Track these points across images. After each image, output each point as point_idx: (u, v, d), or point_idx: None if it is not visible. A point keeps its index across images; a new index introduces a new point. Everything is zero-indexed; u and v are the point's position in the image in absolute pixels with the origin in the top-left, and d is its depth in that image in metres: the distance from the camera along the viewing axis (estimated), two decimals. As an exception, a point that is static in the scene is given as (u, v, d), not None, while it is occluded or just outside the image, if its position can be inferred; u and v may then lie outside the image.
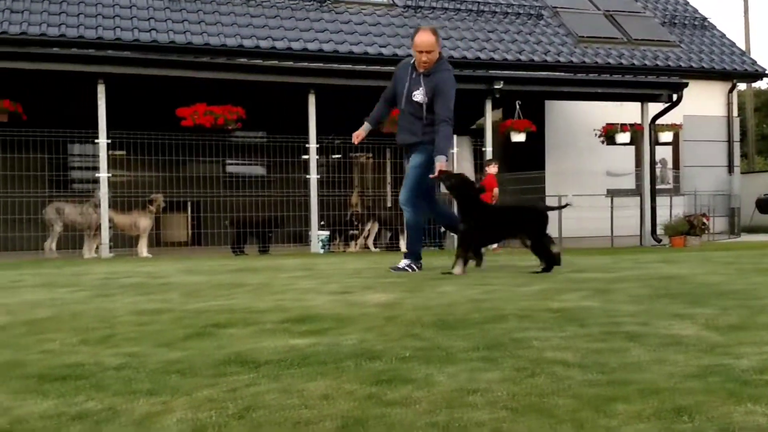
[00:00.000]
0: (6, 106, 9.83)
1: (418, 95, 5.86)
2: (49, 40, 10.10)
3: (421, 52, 5.82)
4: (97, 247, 10.29)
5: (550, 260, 5.33)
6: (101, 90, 10.10)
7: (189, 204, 13.35)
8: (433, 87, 5.82)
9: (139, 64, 10.40)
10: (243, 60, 11.09)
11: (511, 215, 5.83)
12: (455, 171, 12.02)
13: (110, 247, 10.26)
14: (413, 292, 4.37)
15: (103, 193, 10.21)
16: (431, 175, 5.71)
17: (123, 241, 10.92)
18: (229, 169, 14.68)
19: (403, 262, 5.96)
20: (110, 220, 10.30)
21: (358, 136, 6.17)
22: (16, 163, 10.89)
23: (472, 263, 5.54)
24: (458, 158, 11.82)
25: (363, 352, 2.41)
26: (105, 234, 10.20)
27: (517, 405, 1.72)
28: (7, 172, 10.93)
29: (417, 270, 5.90)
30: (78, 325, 3.16)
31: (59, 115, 10.70)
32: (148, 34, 10.83)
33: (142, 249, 10.44)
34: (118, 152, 11.56)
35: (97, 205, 10.27)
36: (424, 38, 5.80)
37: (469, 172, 12.45)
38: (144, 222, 10.53)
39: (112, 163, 10.69)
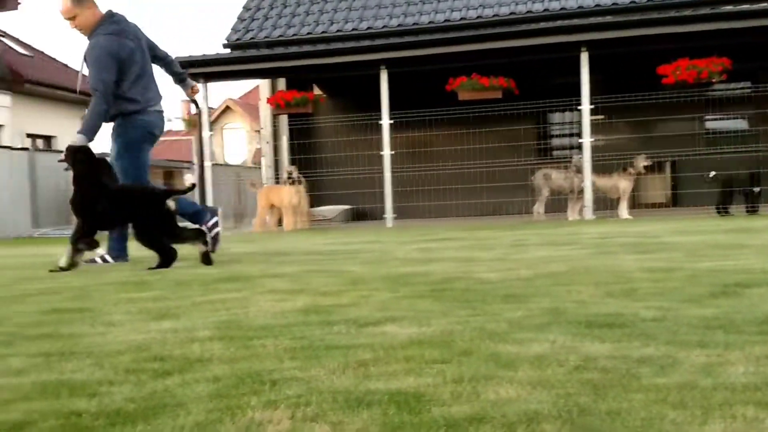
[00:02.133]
0: (500, 83, 10.89)
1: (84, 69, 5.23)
2: (535, 17, 10.84)
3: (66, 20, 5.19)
4: (580, 210, 10.77)
5: (164, 254, 4.78)
6: (584, 58, 10.44)
7: (668, 164, 13.01)
8: (85, 56, 5.17)
9: (620, 27, 10.43)
10: (729, 7, 10.31)
11: (123, 200, 4.89)
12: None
13: (592, 209, 10.65)
14: None
15: (586, 157, 10.61)
16: (59, 159, 4.95)
17: (603, 204, 11.20)
18: (709, 125, 13.83)
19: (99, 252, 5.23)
20: (592, 183, 10.67)
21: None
22: (507, 134, 12.02)
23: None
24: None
25: None
26: (588, 197, 10.62)
27: None
28: (501, 144, 12.14)
29: (112, 261, 5.28)
30: (594, 279, 3.37)
31: (542, 87, 11.43)
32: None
33: (623, 211, 10.57)
34: (597, 117, 11.86)
35: (578, 170, 10.74)
36: (60, 6, 5.13)
37: None
38: (624, 184, 10.64)
39: (592, 128, 11.02)
